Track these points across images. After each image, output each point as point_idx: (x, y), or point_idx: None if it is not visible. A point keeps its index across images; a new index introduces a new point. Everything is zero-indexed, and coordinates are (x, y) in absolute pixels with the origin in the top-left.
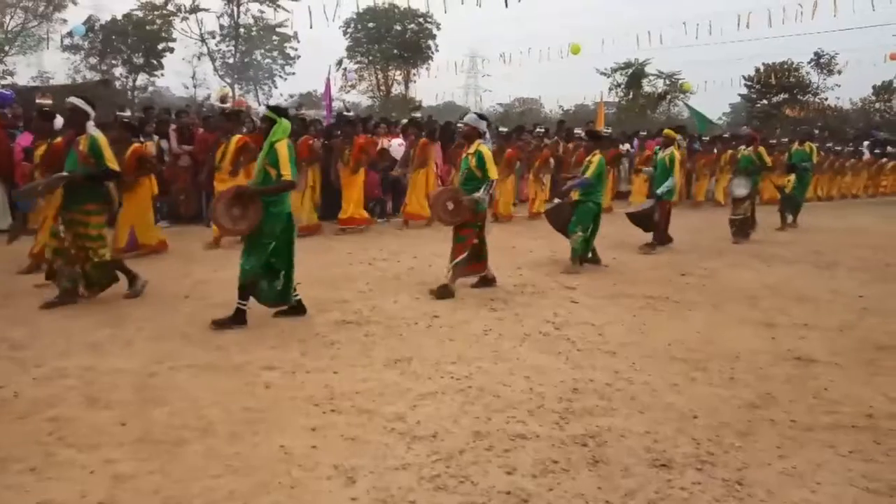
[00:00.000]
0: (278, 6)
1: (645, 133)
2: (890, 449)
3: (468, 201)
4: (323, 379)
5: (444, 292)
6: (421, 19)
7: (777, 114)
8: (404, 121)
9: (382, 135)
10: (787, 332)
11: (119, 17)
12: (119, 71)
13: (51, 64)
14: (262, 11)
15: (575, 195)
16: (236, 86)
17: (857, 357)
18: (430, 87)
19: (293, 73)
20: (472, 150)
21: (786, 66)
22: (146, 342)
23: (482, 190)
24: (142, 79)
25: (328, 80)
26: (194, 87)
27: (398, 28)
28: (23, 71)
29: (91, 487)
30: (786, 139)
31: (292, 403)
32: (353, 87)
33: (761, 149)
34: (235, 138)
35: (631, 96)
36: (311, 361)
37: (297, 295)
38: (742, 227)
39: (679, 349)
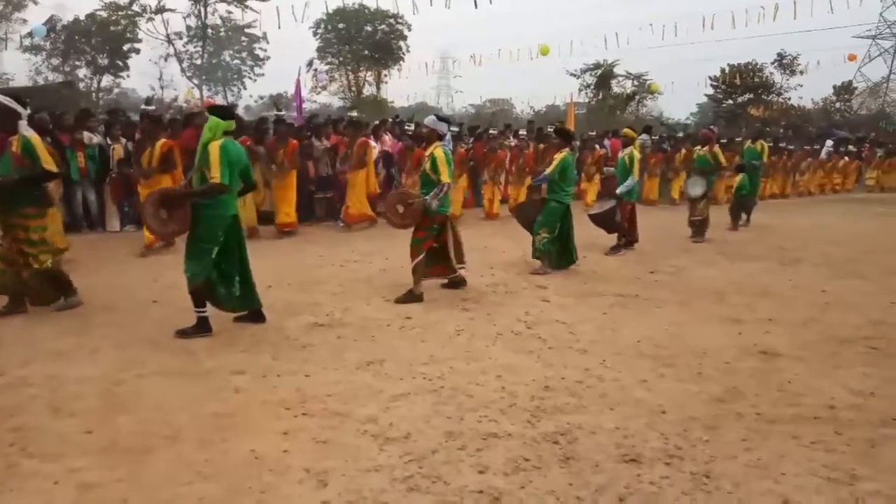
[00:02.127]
0: (246, 7)
1: (594, 132)
2: (850, 439)
3: (417, 204)
4: (294, 382)
5: (408, 297)
6: (392, 20)
7: (742, 113)
8: (354, 116)
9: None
10: (752, 327)
11: (82, 17)
12: (83, 72)
13: (11, 65)
14: (229, 12)
15: (542, 191)
16: (204, 87)
17: (820, 350)
18: (402, 88)
19: (262, 75)
20: (428, 152)
21: (750, 67)
22: (112, 349)
23: (431, 194)
24: (107, 80)
25: (298, 81)
26: (161, 88)
27: (369, 29)
28: None
29: (56, 498)
30: (739, 139)
31: (263, 407)
32: (323, 88)
33: (716, 148)
34: (160, 142)
35: (600, 97)
36: (283, 365)
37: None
38: (701, 228)
39: (648, 346)
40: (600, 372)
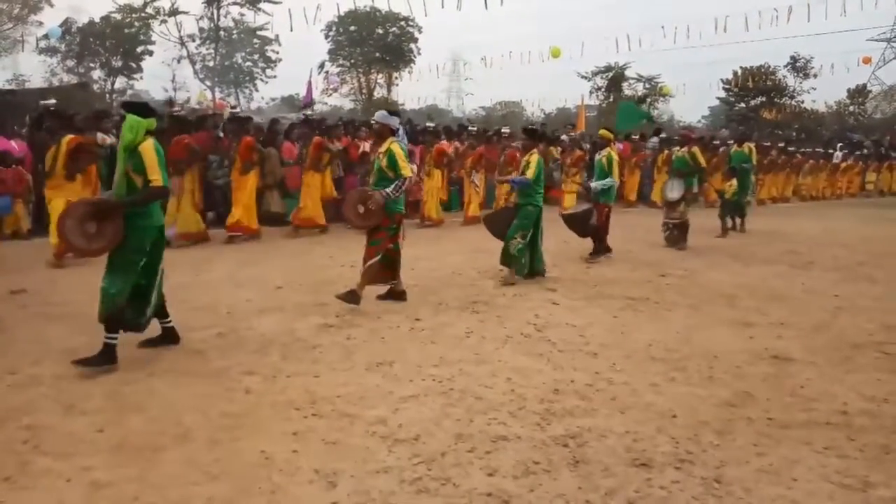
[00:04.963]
0: (259, 9)
1: (574, 133)
2: (863, 445)
3: (379, 197)
4: (304, 383)
5: (350, 297)
6: (403, 23)
7: (755, 117)
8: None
9: (364, 138)
10: (764, 332)
11: (96, 19)
12: (97, 74)
13: (27, 66)
14: (242, 14)
15: (513, 197)
16: (217, 89)
17: (833, 355)
18: (413, 90)
19: (274, 77)
20: (383, 148)
21: (763, 70)
22: (123, 348)
23: (392, 186)
24: (120, 82)
25: (309, 83)
26: (174, 90)
27: (380, 31)
28: None
29: (68, 496)
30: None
31: (273, 408)
32: (334, 90)
33: (695, 149)
34: (66, 139)
35: (611, 99)
36: (292, 366)
37: (169, 321)
38: (680, 233)
39: (658, 349)
40: (610, 375)
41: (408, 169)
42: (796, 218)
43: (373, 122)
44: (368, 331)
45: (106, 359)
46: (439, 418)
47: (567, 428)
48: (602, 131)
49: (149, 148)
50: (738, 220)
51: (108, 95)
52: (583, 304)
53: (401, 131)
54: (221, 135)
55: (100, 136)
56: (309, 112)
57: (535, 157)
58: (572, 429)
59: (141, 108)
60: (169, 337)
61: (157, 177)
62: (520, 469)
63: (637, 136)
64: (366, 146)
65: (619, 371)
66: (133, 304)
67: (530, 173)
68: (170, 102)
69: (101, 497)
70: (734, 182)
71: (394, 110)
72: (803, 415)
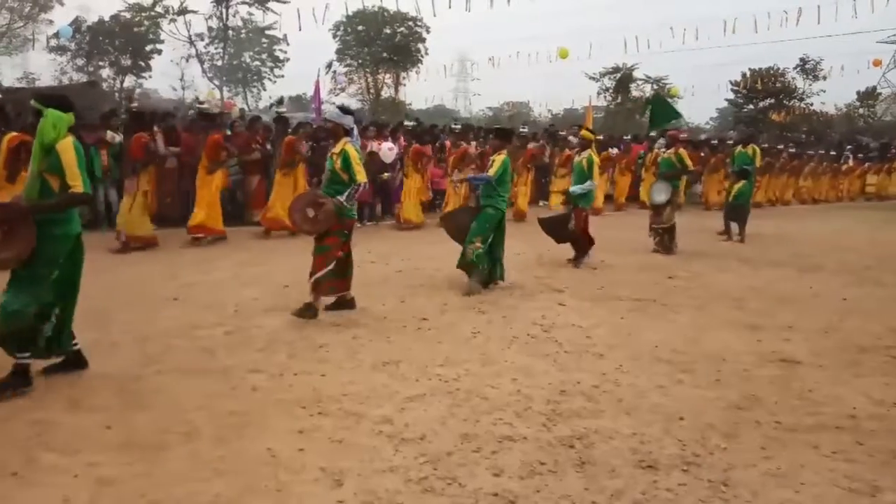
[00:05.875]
0: (267, 8)
1: (563, 132)
2: (872, 449)
3: (331, 205)
4: (310, 381)
5: (305, 311)
6: (410, 22)
7: (763, 119)
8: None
9: (370, 138)
10: (771, 334)
11: (106, 18)
12: (106, 72)
13: (37, 65)
14: (250, 14)
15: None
16: (225, 88)
17: (841, 358)
18: (420, 90)
19: (282, 76)
20: (337, 149)
21: (772, 72)
22: (131, 345)
23: (346, 194)
24: (129, 80)
25: (317, 82)
26: (182, 89)
27: (388, 31)
28: (8, 72)
29: (74, 492)
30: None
31: (279, 406)
32: (342, 90)
33: (682, 151)
34: (7, 137)
35: (619, 100)
36: (299, 364)
37: (76, 343)
38: (667, 237)
39: (665, 351)
40: (617, 377)
41: (363, 174)
42: (802, 221)
43: (327, 121)
44: (374, 330)
45: (21, 381)
46: (445, 418)
47: (573, 429)
48: (583, 132)
49: (68, 147)
50: (735, 227)
51: (117, 94)
52: (589, 305)
53: (355, 131)
54: (229, 133)
55: (109, 133)
56: (283, 109)
57: (500, 157)
58: (578, 430)
59: (60, 101)
60: (76, 362)
61: (77, 182)
62: (526, 469)
63: (629, 137)
64: (373, 146)
65: (626, 372)
66: (36, 321)
67: (492, 171)
68: (129, 97)
69: (108, 493)
70: (740, 184)
71: (348, 109)
72: (811, 418)
